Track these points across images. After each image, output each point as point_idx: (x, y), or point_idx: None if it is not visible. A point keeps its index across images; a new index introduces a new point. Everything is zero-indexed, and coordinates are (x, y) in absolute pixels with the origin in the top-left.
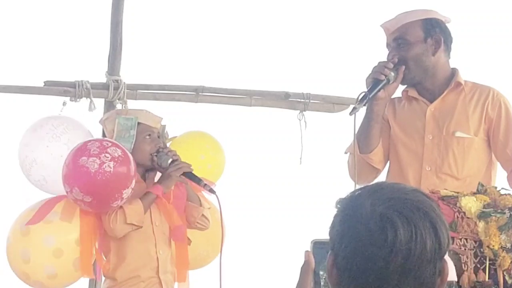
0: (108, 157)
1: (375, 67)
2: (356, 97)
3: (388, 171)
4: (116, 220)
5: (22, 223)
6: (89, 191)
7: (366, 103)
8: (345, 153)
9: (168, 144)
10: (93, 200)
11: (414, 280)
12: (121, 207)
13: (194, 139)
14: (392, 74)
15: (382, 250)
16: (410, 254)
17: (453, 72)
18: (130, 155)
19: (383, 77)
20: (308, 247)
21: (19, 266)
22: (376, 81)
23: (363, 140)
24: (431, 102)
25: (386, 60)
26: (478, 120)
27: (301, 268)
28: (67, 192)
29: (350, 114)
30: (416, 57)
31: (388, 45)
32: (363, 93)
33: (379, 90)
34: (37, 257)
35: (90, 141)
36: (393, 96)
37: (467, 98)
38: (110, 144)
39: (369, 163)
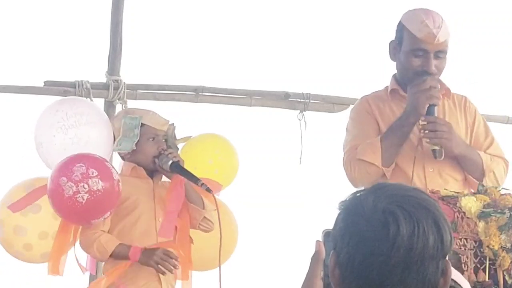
0: (85, 189)
1: (429, 90)
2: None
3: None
4: (84, 239)
5: (6, 203)
6: (59, 211)
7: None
8: (358, 159)
9: (182, 145)
10: (63, 218)
11: (416, 276)
12: (101, 233)
13: (205, 143)
14: None
15: (384, 244)
16: (412, 249)
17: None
18: (116, 186)
19: (439, 103)
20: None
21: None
22: (433, 107)
23: (389, 155)
24: None
25: (431, 72)
26: (464, 127)
27: (312, 258)
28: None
29: (436, 158)
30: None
31: (421, 50)
32: None
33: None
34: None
35: (80, 162)
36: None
37: (451, 104)
38: (95, 174)
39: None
